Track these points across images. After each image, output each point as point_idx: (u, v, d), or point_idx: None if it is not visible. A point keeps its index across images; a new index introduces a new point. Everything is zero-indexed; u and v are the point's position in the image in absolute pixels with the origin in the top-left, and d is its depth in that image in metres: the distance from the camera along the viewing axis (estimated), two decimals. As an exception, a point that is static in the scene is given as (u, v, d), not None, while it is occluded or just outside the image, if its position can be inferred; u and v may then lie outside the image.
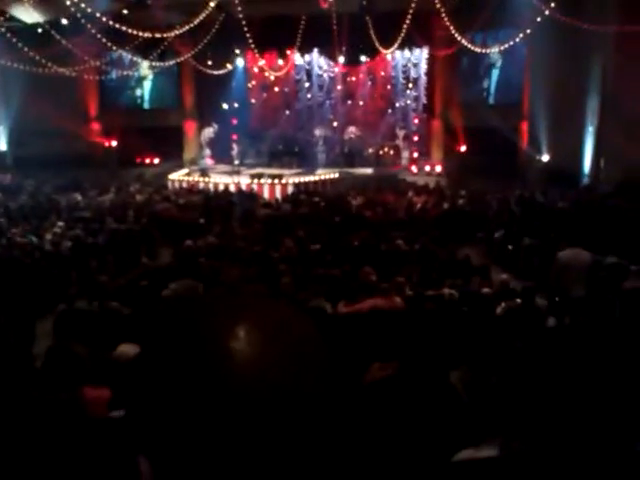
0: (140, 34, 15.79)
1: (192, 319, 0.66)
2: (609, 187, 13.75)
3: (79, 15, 14.88)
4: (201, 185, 18.51)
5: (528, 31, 14.08)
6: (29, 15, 17.21)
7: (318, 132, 21.32)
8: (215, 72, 19.65)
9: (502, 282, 7.04)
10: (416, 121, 21.39)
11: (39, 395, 2.85)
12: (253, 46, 17.81)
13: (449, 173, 18.81)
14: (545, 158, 17.12)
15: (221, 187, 18.10)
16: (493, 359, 2.89)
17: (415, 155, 20.68)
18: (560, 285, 7.07)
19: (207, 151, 21.64)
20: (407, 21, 15.52)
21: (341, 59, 19.97)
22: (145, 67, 21.01)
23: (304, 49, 20.15)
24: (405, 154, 20.75)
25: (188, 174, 19.58)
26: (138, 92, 22.39)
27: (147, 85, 22.32)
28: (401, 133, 21.10)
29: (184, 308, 0.70)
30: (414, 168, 19.88)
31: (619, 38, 13.13)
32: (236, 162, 20.22)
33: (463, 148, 19.17)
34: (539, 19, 13.44)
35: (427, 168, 19.72)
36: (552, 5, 12.44)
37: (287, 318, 0.67)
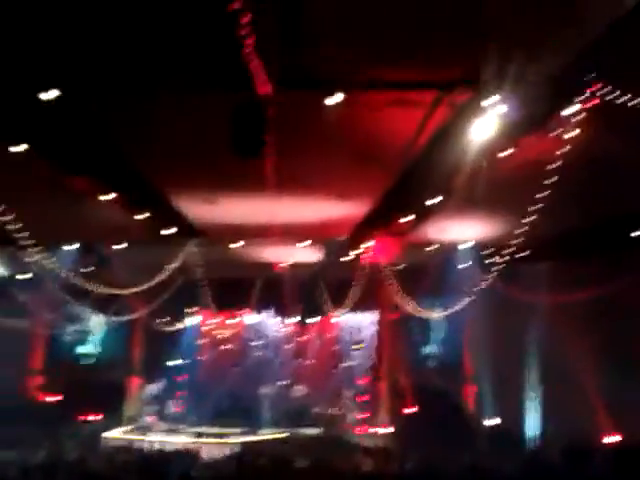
0: (100, 290, 16.14)
1: None
2: (554, 452, 13.78)
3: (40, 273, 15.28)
4: (138, 443, 17.64)
5: (468, 298, 15.08)
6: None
7: (264, 391, 21.17)
8: (167, 329, 19.88)
9: None
10: (363, 382, 21.63)
11: None
12: (210, 305, 18.36)
13: (396, 435, 18.60)
14: (491, 421, 17.26)
15: (158, 446, 17.26)
16: None
17: (362, 416, 20.53)
18: None
19: (149, 408, 20.94)
20: (355, 288, 16.50)
21: (293, 319, 20.67)
22: (96, 322, 21.01)
23: (258, 308, 20.89)
24: (352, 415, 20.59)
25: (127, 431, 18.74)
26: (85, 347, 22.10)
27: (96, 340, 22.11)
28: (348, 393, 21.17)
29: None
30: (361, 429, 19.61)
31: (552, 308, 14.19)
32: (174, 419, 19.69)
33: (410, 410, 19.22)
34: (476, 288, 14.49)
35: (376, 429, 19.45)
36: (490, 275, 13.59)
37: None
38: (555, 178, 8.61)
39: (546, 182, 8.82)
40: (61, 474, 12.17)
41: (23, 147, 8.06)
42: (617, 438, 13.42)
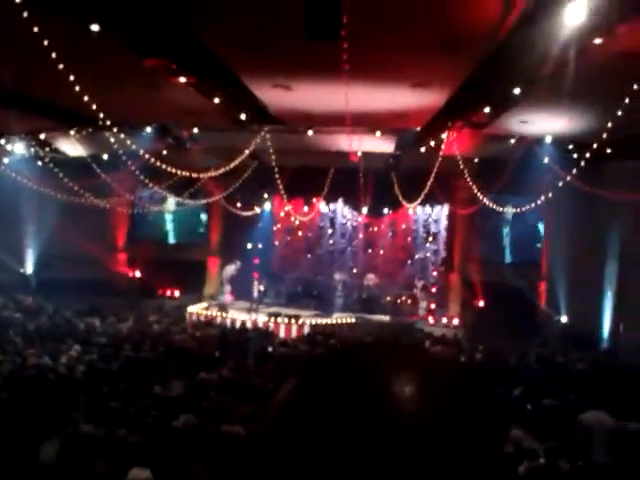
0: (177, 173, 16.57)
1: (355, 365, 0.66)
2: (629, 352, 13.58)
3: (120, 152, 15.73)
4: (218, 320, 18.56)
5: (550, 194, 14.54)
6: (73, 148, 18.19)
7: (338, 277, 21.61)
8: (243, 214, 20.36)
9: (522, 441, 6.81)
10: (435, 273, 21.78)
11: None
12: (282, 192, 18.54)
13: (466, 326, 18.76)
14: (564, 319, 17.10)
15: (238, 323, 18.15)
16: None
17: (433, 306, 20.78)
18: (582, 449, 6.84)
19: (227, 287, 21.90)
20: (430, 180, 16.21)
21: (364, 210, 20.67)
22: (173, 203, 21.74)
23: (330, 198, 20.97)
24: (423, 304, 20.87)
25: (207, 308, 19.70)
26: (166, 226, 23.10)
27: (175, 220, 23.05)
28: (419, 284, 21.38)
29: (345, 355, 0.70)
30: (431, 319, 19.94)
31: (637, 206, 13.55)
32: (255, 298, 20.35)
33: (481, 303, 19.26)
34: (560, 184, 13.88)
35: (444, 320, 19.73)
36: (573, 171, 12.98)
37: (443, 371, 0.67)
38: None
39: (637, 76, 8.19)
40: (147, 344, 13.11)
41: (96, 27, 8.10)
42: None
